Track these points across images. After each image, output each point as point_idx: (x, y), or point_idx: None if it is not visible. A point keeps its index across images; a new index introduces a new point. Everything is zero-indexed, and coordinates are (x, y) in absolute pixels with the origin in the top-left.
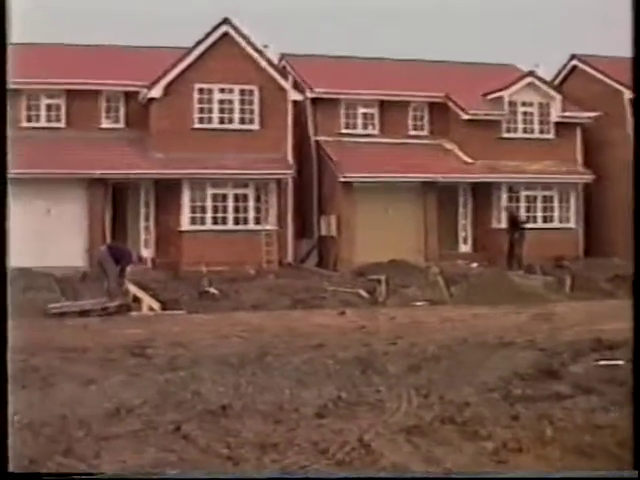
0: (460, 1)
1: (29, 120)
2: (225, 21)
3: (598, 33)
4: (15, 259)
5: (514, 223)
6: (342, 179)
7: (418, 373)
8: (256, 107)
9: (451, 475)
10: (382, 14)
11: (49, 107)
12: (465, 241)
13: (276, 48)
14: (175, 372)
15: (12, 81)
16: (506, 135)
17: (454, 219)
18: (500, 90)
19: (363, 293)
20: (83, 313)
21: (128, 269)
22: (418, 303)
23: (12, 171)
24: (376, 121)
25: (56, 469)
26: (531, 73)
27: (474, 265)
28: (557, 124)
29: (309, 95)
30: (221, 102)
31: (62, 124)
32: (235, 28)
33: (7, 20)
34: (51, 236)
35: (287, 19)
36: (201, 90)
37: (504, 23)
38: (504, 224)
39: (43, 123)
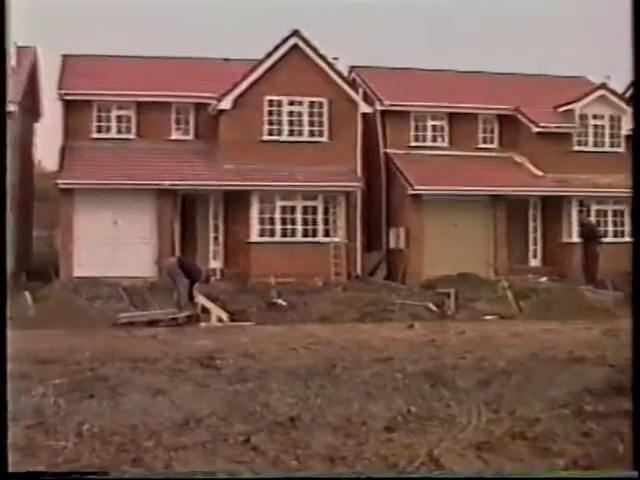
0: (529, 12)
1: (99, 131)
2: (295, 33)
3: None
4: (82, 269)
5: (591, 236)
6: (411, 192)
7: (488, 388)
8: (325, 119)
9: (451, 475)
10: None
11: (119, 118)
12: (535, 255)
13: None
14: (244, 383)
15: (81, 92)
16: (577, 148)
17: (524, 233)
18: (571, 103)
19: (432, 306)
20: (152, 323)
21: (197, 286)
22: (487, 317)
23: (79, 181)
24: (445, 133)
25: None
26: (603, 86)
27: (544, 279)
28: (628, 137)
29: (379, 107)
30: (290, 114)
31: (132, 135)
32: (305, 40)
33: (7, 21)
34: (119, 246)
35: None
36: (271, 102)
37: (573, 34)
38: (575, 238)
39: (113, 134)
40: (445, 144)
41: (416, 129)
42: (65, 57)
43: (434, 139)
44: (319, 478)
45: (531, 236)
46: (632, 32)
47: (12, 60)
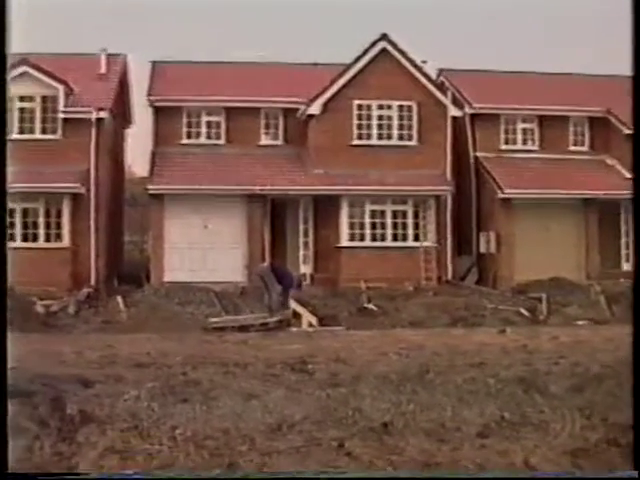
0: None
1: (189, 137)
2: (383, 37)
3: None
4: (173, 274)
5: None
6: (502, 195)
7: (582, 393)
8: (415, 123)
9: (451, 475)
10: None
11: (209, 124)
12: (627, 259)
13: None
14: (336, 388)
15: (172, 99)
16: None
17: (617, 236)
18: None
19: (524, 311)
20: (243, 328)
21: (291, 292)
22: (580, 322)
23: (169, 187)
24: (536, 136)
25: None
26: None
27: None
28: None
29: (468, 111)
30: (380, 118)
31: (222, 141)
32: (393, 44)
33: (7, 23)
34: (209, 251)
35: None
36: (360, 106)
37: None
38: None
39: (203, 140)
40: (536, 147)
41: (506, 132)
42: (154, 63)
43: (524, 142)
44: (323, 478)
45: (624, 240)
46: (632, 31)
47: (102, 67)
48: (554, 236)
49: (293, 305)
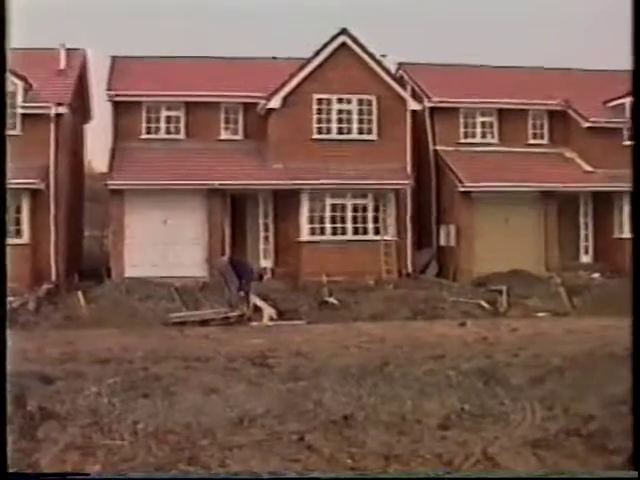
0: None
1: (149, 132)
2: (343, 31)
3: None
4: (134, 269)
5: None
6: (461, 189)
7: (542, 385)
8: (374, 117)
9: (451, 475)
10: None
11: (169, 119)
12: (587, 251)
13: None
14: (297, 382)
15: (131, 94)
16: (628, 143)
17: (575, 229)
18: (622, 97)
19: (484, 304)
20: (204, 322)
21: (253, 284)
22: (540, 314)
23: (129, 182)
24: (495, 130)
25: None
26: None
27: (596, 276)
28: None
29: (427, 104)
30: (340, 112)
31: (181, 136)
32: (353, 38)
33: (7, 22)
34: (170, 246)
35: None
36: (320, 100)
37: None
38: (627, 234)
39: (163, 135)
40: (495, 140)
41: (465, 126)
42: (114, 58)
43: (483, 135)
44: (319, 478)
45: (582, 232)
46: (632, 30)
47: (62, 62)
48: (514, 229)
49: (254, 299)
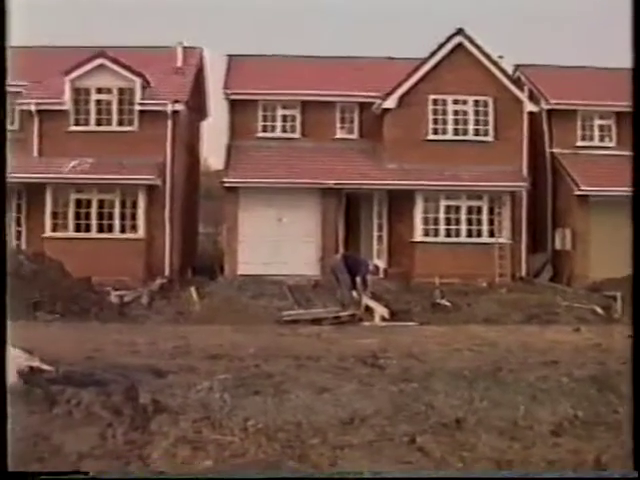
0: None
1: (264, 130)
2: (459, 32)
3: None
4: (246, 267)
5: None
6: (578, 192)
7: None
8: (491, 118)
9: (451, 475)
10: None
11: (284, 118)
12: None
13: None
14: (408, 383)
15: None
16: None
17: None
18: None
19: (598, 309)
20: (315, 321)
21: (369, 278)
22: None
23: (245, 180)
24: (613, 133)
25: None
26: None
27: None
28: None
29: (545, 106)
30: (455, 113)
31: (297, 134)
32: (469, 39)
33: (7, 22)
34: (283, 244)
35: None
36: (435, 101)
37: None
38: None
39: (278, 133)
40: (612, 144)
41: (583, 128)
42: (230, 57)
43: (601, 139)
44: (321, 478)
45: None
46: (632, 30)
47: (179, 60)
48: (630, 234)
49: (366, 299)
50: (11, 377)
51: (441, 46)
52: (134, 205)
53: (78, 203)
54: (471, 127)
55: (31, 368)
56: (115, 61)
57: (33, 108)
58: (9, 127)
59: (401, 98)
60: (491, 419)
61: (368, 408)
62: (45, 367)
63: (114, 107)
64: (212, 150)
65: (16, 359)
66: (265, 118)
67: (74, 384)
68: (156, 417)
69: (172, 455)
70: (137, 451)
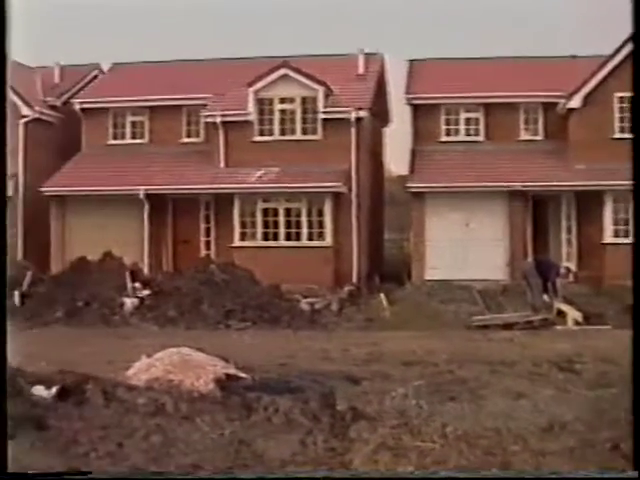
0: None
1: (448, 134)
2: None
3: None
4: (434, 272)
5: None
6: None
7: None
8: None
9: (451, 475)
10: None
11: (467, 121)
12: None
13: None
14: (606, 389)
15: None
16: None
17: None
18: None
19: None
20: (507, 326)
21: (558, 282)
22: None
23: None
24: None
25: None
26: None
27: None
28: None
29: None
30: None
31: (481, 137)
32: None
33: (7, 22)
34: (471, 249)
35: None
36: (621, 99)
37: None
38: None
39: (462, 137)
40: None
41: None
42: (411, 62)
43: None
44: (319, 478)
45: None
46: (632, 29)
47: (360, 67)
48: None
49: (558, 303)
50: (209, 385)
51: (625, 42)
52: (320, 213)
53: (265, 212)
54: None
55: (228, 376)
56: (298, 71)
57: (218, 120)
58: (194, 139)
59: (586, 97)
60: None
61: (566, 414)
62: (241, 375)
63: (298, 116)
64: (392, 156)
65: (213, 367)
66: (448, 122)
67: (270, 391)
68: (354, 424)
69: (374, 462)
70: (339, 458)
